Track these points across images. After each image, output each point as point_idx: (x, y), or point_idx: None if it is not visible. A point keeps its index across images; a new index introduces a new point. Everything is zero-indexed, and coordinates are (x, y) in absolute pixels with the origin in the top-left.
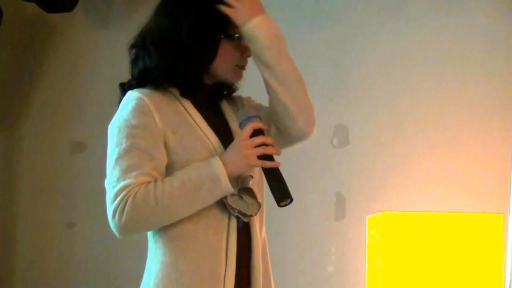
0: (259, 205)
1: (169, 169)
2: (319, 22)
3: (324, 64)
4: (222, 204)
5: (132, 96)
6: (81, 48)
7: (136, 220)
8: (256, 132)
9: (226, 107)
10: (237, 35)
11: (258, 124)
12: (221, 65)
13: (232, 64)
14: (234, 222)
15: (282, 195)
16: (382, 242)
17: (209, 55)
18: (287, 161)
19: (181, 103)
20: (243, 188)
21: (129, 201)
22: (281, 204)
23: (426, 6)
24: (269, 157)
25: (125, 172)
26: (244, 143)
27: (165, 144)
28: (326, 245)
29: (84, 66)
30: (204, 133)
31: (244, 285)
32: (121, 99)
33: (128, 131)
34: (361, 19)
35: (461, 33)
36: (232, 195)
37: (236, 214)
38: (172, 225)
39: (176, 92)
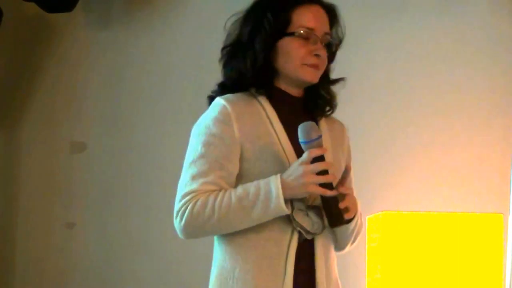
0: (323, 225)
1: (242, 178)
2: None
3: None
4: (288, 217)
5: (217, 103)
6: (81, 48)
7: (193, 226)
8: (318, 158)
9: (322, 124)
10: (300, 32)
11: (320, 151)
12: (286, 64)
13: (297, 61)
14: (296, 236)
15: (336, 221)
16: (382, 242)
17: (263, 53)
18: None
19: (267, 113)
20: (312, 206)
21: (189, 207)
22: (334, 227)
23: (426, 6)
24: (328, 185)
25: (193, 178)
26: (305, 170)
27: (241, 154)
28: None
29: (84, 66)
30: (282, 147)
31: None
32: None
33: (206, 139)
34: (361, 19)
35: (461, 33)
36: (299, 209)
37: (298, 228)
38: (236, 233)
39: (264, 101)
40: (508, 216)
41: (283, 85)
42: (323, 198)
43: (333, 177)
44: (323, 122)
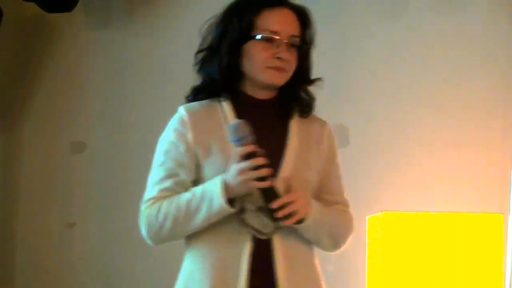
0: (276, 226)
1: (200, 183)
2: (319, 22)
3: (324, 64)
4: (240, 219)
5: (178, 112)
6: (81, 48)
7: (153, 232)
8: (252, 154)
9: (294, 126)
10: (263, 36)
11: (248, 149)
12: (251, 67)
13: (260, 64)
14: (249, 237)
15: (275, 216)
16: (382, 242)
17: (227, 57)
18: None
19: (226, 118)
20: (263, 207)
21: (146, 214)
22: (278, 221)
23: (425, 6)
24: (265, 178)
25: (153, 185)
26: (238, 168)
27: (197, 161)
28: None
29: (84, 66)
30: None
31: None
32: None
33: (164, 147)
34: (361, 18)
35: (461, 33)
36: (250, 210)
37: (249, 230)
38: (195, 235)
39: (227, 106)
40: (508, 216)
41: (249, 89)
42: (262, 192)
43: (267, 171)
44: (294, 123)
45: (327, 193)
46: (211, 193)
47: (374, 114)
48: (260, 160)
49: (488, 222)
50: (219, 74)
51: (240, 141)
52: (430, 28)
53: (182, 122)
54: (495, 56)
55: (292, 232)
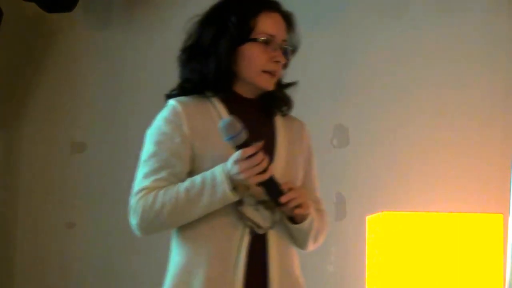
0: (274, 220)
1: (193, 175)
2: (319, 22)
3: (324, 64)
4: (239, 213)
5: (169, 104)
6: (81, 48)
7: (146, 221)
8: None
9: (280, 123)
10: (262, 39)
11: (248, 151)
12: (246, 69)
13: (257, 68)
14: (247, 232)
15: (279, 199)
16: (382, 242)
17: (227, 57)
18: None
19: (219, 113)
20: (262, 201)
21: (140, 204)
22: (280, 207)
23: (426, 7)
24: (263, 171)
25: (145, 176)
26: (241, 167)
27: (192, 152)
28: (326, 245)
29: (84, 66)
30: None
31: None
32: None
33: (157, 138)
34: (361, 19)
35: (461, 33)
36: (249, 204)
37: (248, 223)
38: (189, 228)
39: (217, 102)
40: (508, 216)
41: (239, 89)
42: (263, 183)
43: (266, 164)
44: (279, 121)
45: (307, 190)
46: (213, 181)
47: (374, 114)
48: (259, 157)
49: (488, 222)
50: (215, 73)
51: (233, 138)
52: (430, 28)
53: (175, 113)
54: (495, 56)
55: (284, 229)
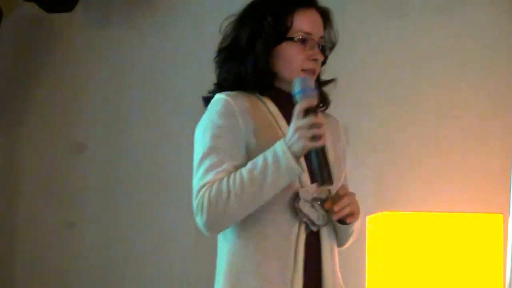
0: (328, 218)
1: None
2: None
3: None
4: (294, 210)
5: (219, 98)
6: (81, 48)
7: (215, 215)
8: (309, 110)
9: (321, 118)
10: (299, 38)
11: (310, 103)
12: (284, 68)
13: (295, 66)
14: (303, 229)
15: (324, 176)
16: (382, 242)
17: (264, 57)
18: None
19: (269, 109)
20: (317, 198)
21: (206, 197)
22: (317, 184)
23: (426, 6)
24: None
25: (206, 171)
26: (297, 125)
27: (247, 147)
28: None
29: (84, 66)
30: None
31: None
32: (205, 104)
33: (213, 132)
34: (361, 18)
35: (461, 33)
36: (305, 201)
37: (304, 219)
38: (243, 227)
39: (264, 99)
40: (508, 216)
41: (282, 85)
42: (314, 153)
43: (324, 130)
44: (320, 116)
45: None
46: (275, 154)
47: (374, 114)
48: (318, 119)
49: (488, 222)
50: (254, 73)
51: (305, 92)
52: (430, 28)
53: (228, 107)
54: (495, 56)
55: (331, 226)
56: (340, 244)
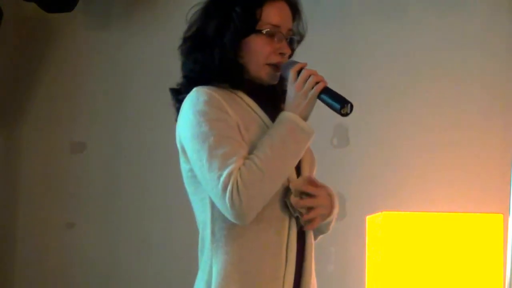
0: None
1: None
2: (319, 22)
3: (324, 64)
4: (284, 205)
5: (201, 90)
6: (81, 48)
7: (253, 196)
8: (299, 72)
9: None
10: (266, 30)
11: (298, 66)
12: (251, 62)
13: (261, 60)
14: (294, 223)
15: (341, 102)
16: (382, 242)
17: (232, 49)
18: None
19: (246, 103)
20: (305, 193)
21: (239, 183)
22: (343, 112)
23: (426, 6)
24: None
25: (224, 161)
26: (295, 85)
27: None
28: (326, 245)
29: (83, 66)
30: None
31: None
32: (178, 101)
33: (210, 125)
34: (361, 19)
35: (461, 33)
36: (295, 195)
37: (296, 214)
38: (234, 224)
39: (239, 92)
40: (508, 216)
41: (252, 77)
42: (324, 94)
43: (320, 77)
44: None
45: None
46: (288, 124)
47: (374, 114)
48: (312, 71)
49: (488, 222)
50: (221, 65)
51: (292, 62)
52: (429, 28)
53: (215, 98)
54: (495, 56)
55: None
56: (322, 232)
